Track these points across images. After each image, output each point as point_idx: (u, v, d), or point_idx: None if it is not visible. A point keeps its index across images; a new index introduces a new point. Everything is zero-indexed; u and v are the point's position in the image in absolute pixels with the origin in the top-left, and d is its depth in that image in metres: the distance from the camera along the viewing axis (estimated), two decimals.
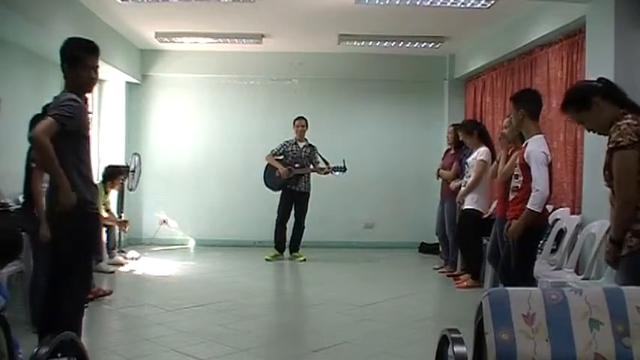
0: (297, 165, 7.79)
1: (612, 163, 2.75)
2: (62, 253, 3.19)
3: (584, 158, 5.33)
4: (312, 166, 7.85)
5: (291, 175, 7.73)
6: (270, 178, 7.86)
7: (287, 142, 7.94)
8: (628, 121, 2.72)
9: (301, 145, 7.92)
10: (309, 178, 7.90)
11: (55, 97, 3.33)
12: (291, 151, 7.87)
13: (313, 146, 7.96)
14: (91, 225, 3.40)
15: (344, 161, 7.75)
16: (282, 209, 7.88)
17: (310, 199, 7.92)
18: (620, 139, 2.68)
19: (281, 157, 7.86)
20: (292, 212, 7.93)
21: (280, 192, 7.88)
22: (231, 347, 4.06)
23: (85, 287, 3.45)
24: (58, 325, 2.54)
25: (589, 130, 3.11)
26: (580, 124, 3.13)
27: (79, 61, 3.32)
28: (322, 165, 7.84)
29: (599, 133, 2.96)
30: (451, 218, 6.85)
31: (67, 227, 3.18)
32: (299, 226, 7.91)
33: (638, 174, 2.68)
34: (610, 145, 2.73)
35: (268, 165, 7.88)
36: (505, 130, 5.12)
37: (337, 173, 7.81)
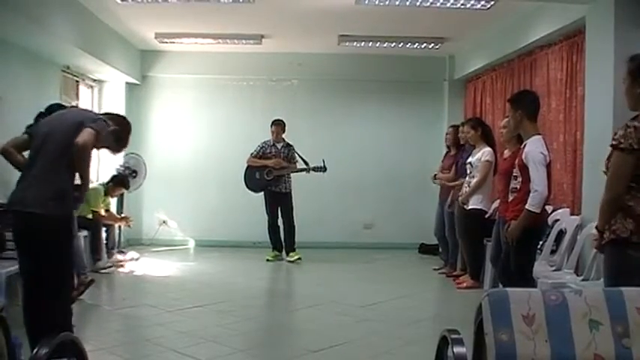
0: (277, 167, 7.78)
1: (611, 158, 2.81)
2: (52, 254, 3.23)
3: (583, 159, 5.34)
4: (292, 167, 7.85)
5: (278, 167, 7.74)
6: (251, 180, 7.88)
7: (265, 143, 7.94)
8: (637, 124, 2.72)
9: (279, 145, 7.92)
10: (289, 178, 7.90)
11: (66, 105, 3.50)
12: (270, 152, 7.87)
13: (291, 145, 7.96)
14: (73, 227, 3.56)
15: (323, 161, 7.75)
16: (270, 210, 7.90)
17: (299, 199, 7.91)
18: (622, 140, 2.72)
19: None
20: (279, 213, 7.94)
21: (262, 194, 7.89)
22: (230, 348, 4.06)
23: (69, 285, 3.53)
24: (49, 326, 2.56)
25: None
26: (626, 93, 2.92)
27: (123, 142, 3.78)
28: (302, 165, 7.85)
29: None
30: (451, 219, 6.83)
31: (58, 230, 3.25)
32: (289, 227, 7.89)
33: (630, 177, 2.73)
34: (613, 142, 2.77)
35: (248, 167, 7.88)
36: (503, 130, 5.12)
37: (318, 173, 7.81)
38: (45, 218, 3.22)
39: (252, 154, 7.91)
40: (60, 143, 3.30)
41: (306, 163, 7.83)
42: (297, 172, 7.86)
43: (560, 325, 1.82)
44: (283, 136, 7.96)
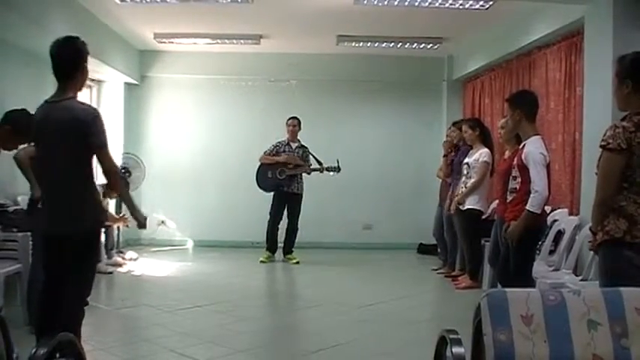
0: (290, 166, 7.78)
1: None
2: (76, 254, 3.18)
3: (582, 159, 5.34)
4: (305, 167, 7.82)
5: (291, 167, 7.71)
6: (263, 179, 7.82)
7: (279, 142, 7.90)
8: (625, 124, 2.71)
9: (294, 145, 7.89)
10: (302, 179, 7.87)
11: (52, 100, 3.36)
12: (284, 152, 7.84)
13: (305, 147, 7.93)
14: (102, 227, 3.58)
15: (337, 161, 7.74)
16: (275, 210, 7.85)
17: (303, 200, 7.88)
18: (610, 140, 2.70)
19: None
20: (285, 214, 7.90)
21: (273, 193, 7.86)
22: (229, 348, 4.05)
23: (89, 287, 3.46)
24: (60, 325, 2.53)
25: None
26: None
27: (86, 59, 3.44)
28: (316, 165, 7.82)
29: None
30: (449, 220, 6.83)
31: (88, 231, 3.23)
32: (292, 228, 7.86)
33: (620, 177, 2.72)
34: (602, 143, 2.76)
35: (261, 166, 7.84)
36: (501, 130, 5.13)
37: (331, 173, 7.79)
38: (75, 234, 3.16)
39: (265, 152, 7.87)
40: (68, 156, 3.23)
41: (320, 163, 7.79)
42: (310, 172, 7.82)
43: (559, 325, 1.82)
44: (298, 137, 7.95)
